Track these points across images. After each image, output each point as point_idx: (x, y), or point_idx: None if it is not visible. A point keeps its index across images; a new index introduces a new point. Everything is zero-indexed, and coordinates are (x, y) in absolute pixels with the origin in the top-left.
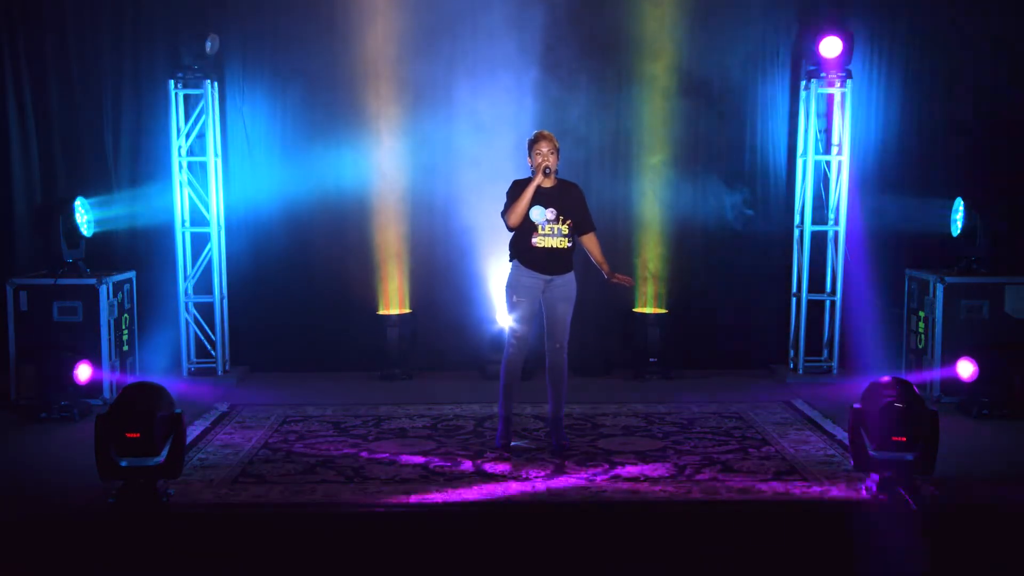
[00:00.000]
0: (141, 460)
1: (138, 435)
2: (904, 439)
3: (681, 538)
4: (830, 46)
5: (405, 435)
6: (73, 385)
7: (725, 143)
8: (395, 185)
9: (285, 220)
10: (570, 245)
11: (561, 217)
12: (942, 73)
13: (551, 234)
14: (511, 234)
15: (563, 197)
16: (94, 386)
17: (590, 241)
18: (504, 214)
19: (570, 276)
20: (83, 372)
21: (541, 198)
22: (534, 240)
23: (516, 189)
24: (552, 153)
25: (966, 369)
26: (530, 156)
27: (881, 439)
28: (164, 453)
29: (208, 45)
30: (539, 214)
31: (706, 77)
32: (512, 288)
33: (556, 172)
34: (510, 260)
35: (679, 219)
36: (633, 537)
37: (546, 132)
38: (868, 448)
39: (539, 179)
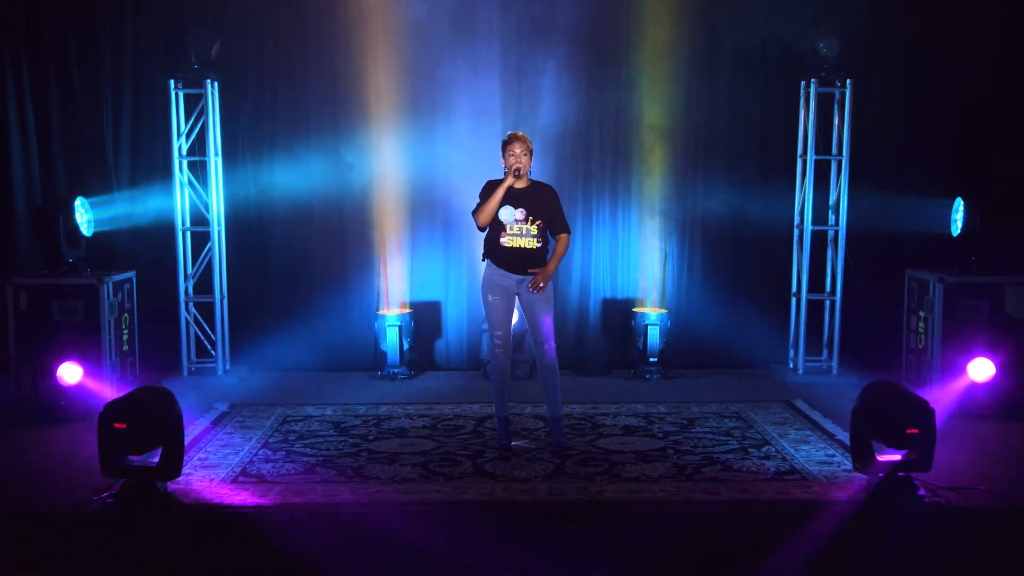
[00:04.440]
0: (137, 457)
1: (124, 426)
2: (902, 438)
3: (681, 538)
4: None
5: (405, 435)
6: (77, 384)
7: (726, 141)
8: (395, 184)
9: (285, 220)
10: (539, 245)
11: (530, 217)
12: (942, 73)
13: (519, 234)
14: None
15: (534, 198)
16: (92, 387)
17: (559, 241)
18: (474, 213)
19: None
20: (70, 373)
21: (512, 198)
22: (503, 240)
23: (488, 189)
24: (525, 154)
25: (981, 369)
26: (504, 157)
27: (880, 438)
28: (160, 453)
29: (214, 49)
30: (508, 214)
31: (708, 75)
32: (487, 288)
33: (529, 173)
34: (483, 259)
35: (679, 217)
36: (633, 537)
37: (520, 133)
38: (867, 447)
39: (509, 181)
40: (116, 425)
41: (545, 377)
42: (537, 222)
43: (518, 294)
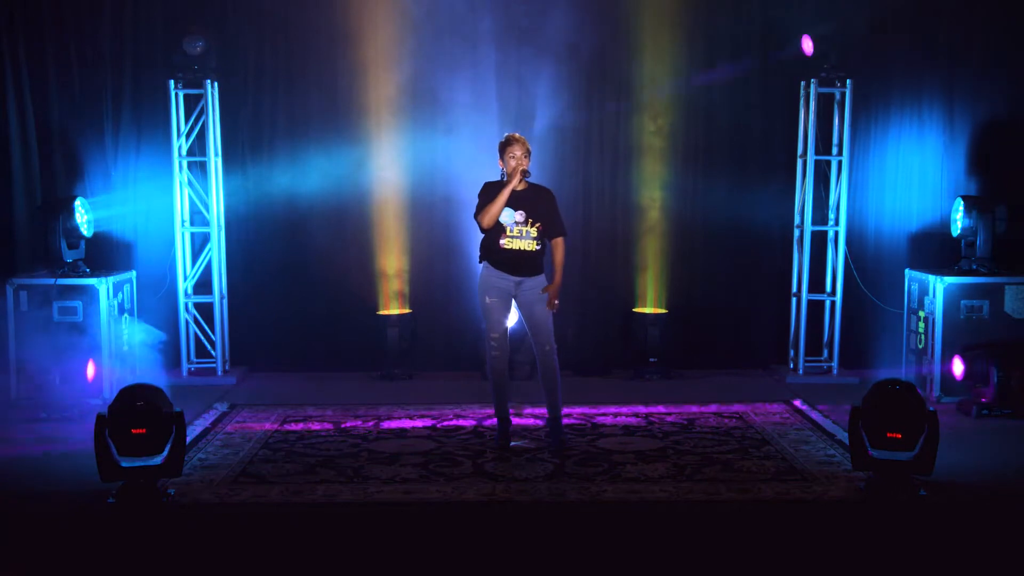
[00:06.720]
0: (144, 459)
1: (144, 431)
2: (900, 436)
3: (681, 538)
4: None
5: (405, 435)
6: (78, 384)
7: (726, 141)
8: (395, 185)
9: (285, 220)
10: (539, 248)
11: (530, 220)
12: (942, 72)
13: (519, 236)
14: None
15: (533, 200)
16: (95, 386)
17: (557, 247)
18: (477, 216)
19: (541, 279)
20: (90, 370)
21: (511, 200)
22: (502, 242)
23: (489, 191)
24: (525, 156)
25: (958, 368)
26: (502, 159)
27: (878, 437)
28: (165, 452)
29: (197, 46)
30: (508, 216)
31: (707, 74)
32: (483, 290)
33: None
34: (480, 262)
35: (679, 218)
36: (633, 537)
37: (518, 135)
38: (867, 447)
39: (516, 182)
40: (135, 431)
41: (545, 378)
42: (537, 224)
43: (515, 296)
